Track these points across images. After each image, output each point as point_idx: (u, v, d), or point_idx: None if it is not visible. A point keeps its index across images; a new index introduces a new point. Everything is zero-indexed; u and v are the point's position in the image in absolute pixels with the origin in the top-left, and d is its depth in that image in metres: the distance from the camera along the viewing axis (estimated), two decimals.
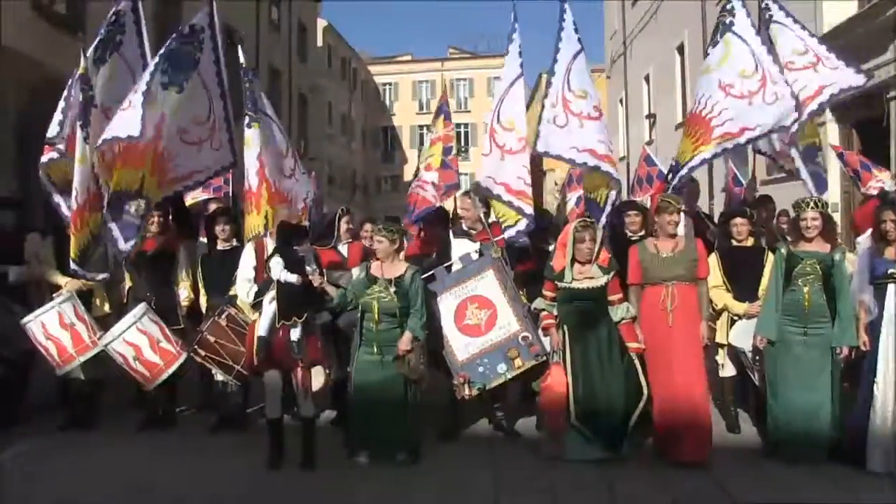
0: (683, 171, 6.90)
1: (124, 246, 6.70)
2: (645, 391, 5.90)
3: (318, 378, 6.03)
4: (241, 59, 7.04)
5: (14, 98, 14.17)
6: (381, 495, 5.35)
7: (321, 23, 43.40)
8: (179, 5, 21.10)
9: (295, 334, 5.71)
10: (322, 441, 5.98)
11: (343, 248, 7.18)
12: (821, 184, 7.52)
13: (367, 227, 7.35)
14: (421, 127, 57.37)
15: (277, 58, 32.00)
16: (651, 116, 25.55)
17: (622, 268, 6.16)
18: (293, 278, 5.70)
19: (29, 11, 15.12)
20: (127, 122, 6.32)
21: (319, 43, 42.90)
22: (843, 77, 6.87)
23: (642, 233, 6.91)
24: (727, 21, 6.97)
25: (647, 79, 27.47)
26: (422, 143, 56.76)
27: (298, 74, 35.82)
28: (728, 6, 7.00)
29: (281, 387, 5.89)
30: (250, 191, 6.77)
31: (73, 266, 6.56)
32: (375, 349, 5.90)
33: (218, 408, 7.06)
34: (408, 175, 56.68)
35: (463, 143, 46.83)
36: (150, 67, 6.69)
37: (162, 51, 6.80)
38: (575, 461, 5.80)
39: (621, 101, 30.76)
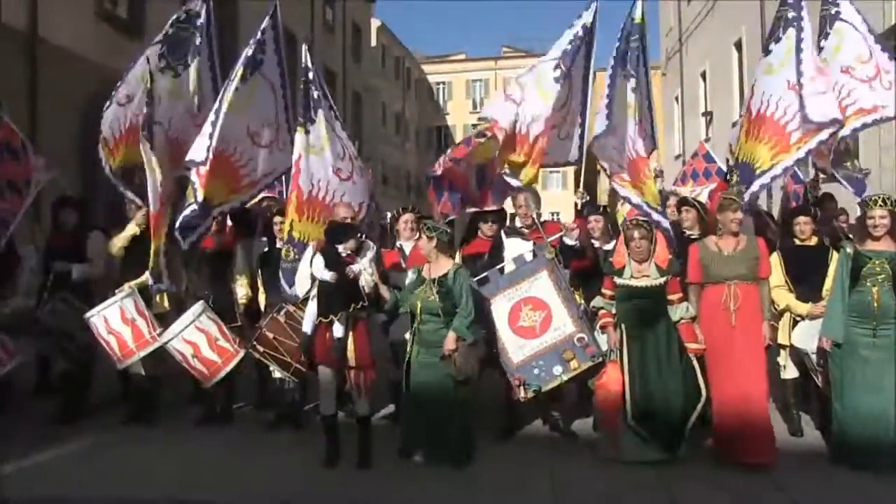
0: (765, 180, 6.73)
1: (184, 246, 6.85)
2: (703, 392, 5.79)
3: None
4: (305, 61, 7.01)
5: (77, 101, 14.55)
6: (436, 495, 5.33)
7: (375, 23, 43.73)
8: (235, 5, 21.44)
9: (337, 331, 5.72)
10: (380, 438, 5.99)
11: (407, 247, 7.07)
12: (858, 186, 7.29)
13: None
14: (475, 126, 57.25)
15: (332, 58, 32.34)
16: (708, 114, 25.15)
17: (683, 267, 6.06)
18: (328, 276, 5.70)
19: (91, 16, 15.52)
20: (197, 147, 6.62)
21: (373, 43, 43.22)
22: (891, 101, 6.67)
23: (698, 230, 6.80)
24: (789, 15, 6.78)
25: (703, 76, 27.07)
26: None
27: (353, 75, 36.14)
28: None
29: (334, 384, 5.90)
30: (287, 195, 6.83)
31: (150, 279, 6.82)
32: (423, 349, 5.88)
33: (275, 405, 7.13)
34: None
35: None
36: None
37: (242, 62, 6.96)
38: (632, 462, 5.72)
39: (677, 98, 30.39)
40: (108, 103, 7.58)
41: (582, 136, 7.62)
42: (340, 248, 5.78)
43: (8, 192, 7.39)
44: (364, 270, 5.80)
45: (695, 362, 5.85)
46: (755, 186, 6.75)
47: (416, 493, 5.36)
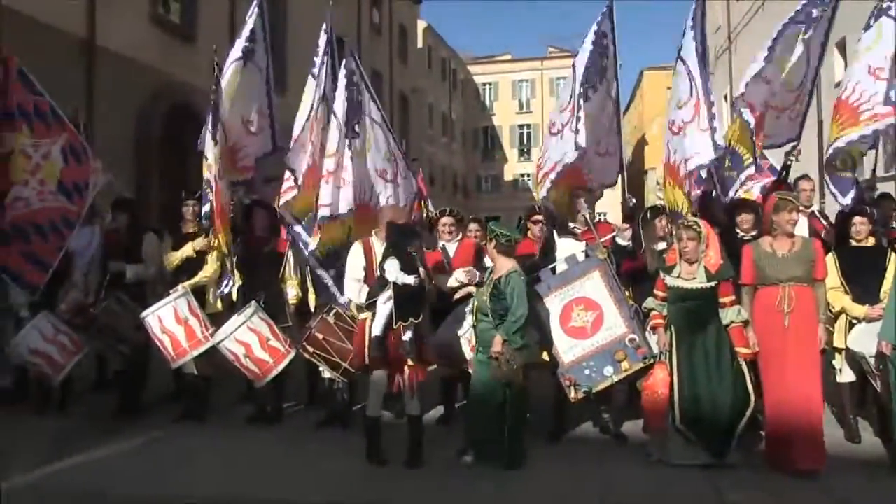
0: (829, 152, 7.05)
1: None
2: (752, 399, 5.69)
3: None
4: (354, 66, 7.06)
5: (132, 104, 14.87)
6: (485, 496, 5.32)
7: (421, 24, 43.91)
8: (285, 4, 21.71)
9: (407, 334, 5.73)
10: (427, 439, 6.00)
11: (451, 248, 7.08)
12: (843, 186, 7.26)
13: (472, 226, 7.33)
14: (521, 126, 57.23)
15: (379, 60, 32.53)
16: None
17: (736, 269, 5.96)
18: (410, 280, 5.67)
19: (146, 22, 15.85)
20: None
21: (419, 44, 43.37)
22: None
23: (754, 232, 6.67)
24: (884, 5, 6.77)
25: None
26: (522, 141, 56.73)
27: (399, 76, 36.33)
28: None
29: (385, 386, 5.91)
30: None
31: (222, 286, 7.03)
32: (480, 347, 5.90)
33: (324, 405, 7.20)
34: (508, 175, 56.59)
35: None
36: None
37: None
38: (683, 466, 5.65)
39: (725, 97, 29.89)
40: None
41: (621, 149, 7.61)
42: (411, 250, 5.81)
43: (76, 194, 7.60)
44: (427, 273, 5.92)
45: (744, 367, 5.75)
46: (830, 151, 7.04)
47: (464, 493, 5.35)
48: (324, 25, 7.39)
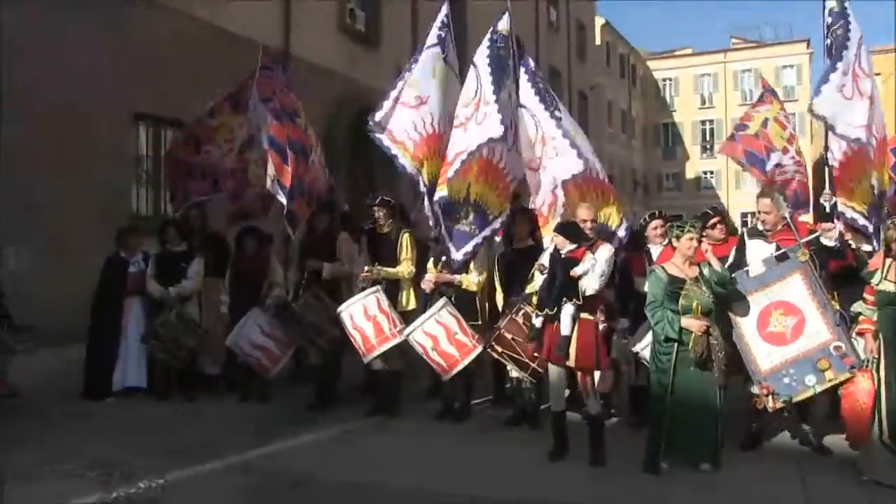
0: None
1: (457, 255, 7.00)
2: None
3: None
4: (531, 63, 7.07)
5: (322, 109, 15.61)
6: (678, 500, 5.19)
7: (599, 21, 43.38)
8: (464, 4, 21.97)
9: (564, 329, 5.72)
10: (619, 441, 5.97)
11: (655, 251, 6.90)
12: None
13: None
14: (703, 122, 55.19)
15: (557, 58, 32.42)
16: None
17: None
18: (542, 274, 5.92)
19: (334, 31, 16.68)
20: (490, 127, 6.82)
21: (598, 41, 42.85)
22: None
23: None
24: None
25: None
26: (704, 138, 54.62)
27: (578, 73, 36.04)
28: None
29: (564, 382, 5.98)
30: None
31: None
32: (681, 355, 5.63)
33: (512, 403, 7.24)
34: (690, 172, 54.68)
35: None
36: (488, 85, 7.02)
37: (489, 62, 7.13)
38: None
39: None
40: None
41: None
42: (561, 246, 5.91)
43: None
44: (589, 272, 5.77)
45: None
46: None
47: (657, 496, 5.25)
48: (502, 24, 7.39)
